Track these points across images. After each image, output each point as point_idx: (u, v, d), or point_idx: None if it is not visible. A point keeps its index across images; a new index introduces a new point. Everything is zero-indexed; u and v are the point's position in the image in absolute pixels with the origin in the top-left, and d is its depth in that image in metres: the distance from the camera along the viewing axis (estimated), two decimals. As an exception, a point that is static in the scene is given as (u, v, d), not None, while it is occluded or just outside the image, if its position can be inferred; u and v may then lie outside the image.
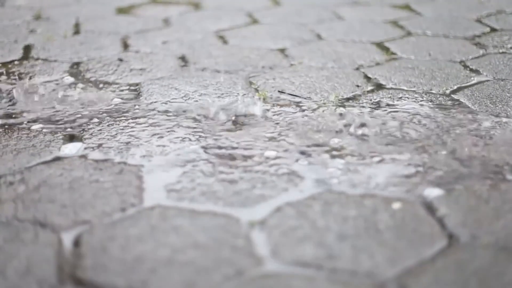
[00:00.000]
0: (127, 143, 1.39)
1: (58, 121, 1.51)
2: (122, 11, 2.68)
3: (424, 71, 1.86)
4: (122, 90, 1.72)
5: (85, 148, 1.36)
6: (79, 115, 1.54)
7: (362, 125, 1.47)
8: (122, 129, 1.46)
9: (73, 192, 1.18)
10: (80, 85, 1.77)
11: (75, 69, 1.91)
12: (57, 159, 1.32)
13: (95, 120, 1.51)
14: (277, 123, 1.49)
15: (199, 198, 1.16)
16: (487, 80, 1.78)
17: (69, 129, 1.46)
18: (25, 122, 1.51)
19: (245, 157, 1.32)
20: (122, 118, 1.53)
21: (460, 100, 1.63)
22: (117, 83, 1.78)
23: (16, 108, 1.60)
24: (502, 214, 1.10)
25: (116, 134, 1.43)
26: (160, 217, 1.09)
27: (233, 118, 1.52)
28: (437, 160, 1.30)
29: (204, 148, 1.36)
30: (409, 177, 1.23)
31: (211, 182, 1.21)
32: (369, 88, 1.73)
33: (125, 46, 2.15)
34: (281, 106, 1.60)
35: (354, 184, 1.21)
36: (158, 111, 1.56)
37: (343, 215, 1.10)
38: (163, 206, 1.13)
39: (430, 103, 1.61)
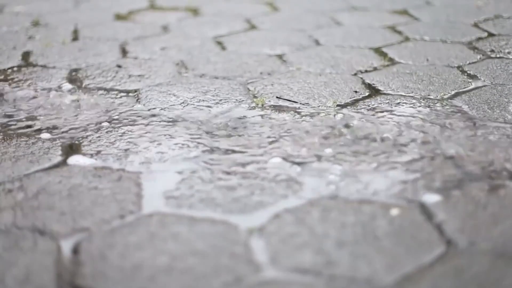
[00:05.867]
0: (126, 150, 1.39)
1: (56, 127, 1.51)
2: (120, 17, 2.69)
3: (422, 76, 1.87)
4: (120, 97, 1.72)
5: (84, 155, 1.36)
6: (78, 122, 1.55)
7: (360, 131, 1.47)
8: (121, 136, 1.46)
9: (72, 199, 1.18)
10: (79, 91, 1.77)
11: (74, 75, 1.91)
12: (56, 166, 1.32)
13: (94, 126, 1.52)
14: (275, 129, 1.49)
15: (198, 205, 1.16)
16: (485, 85, 1.78)
17: (67, 136, 1.46)
18: (24, 129, 1.51)
19: (243, 164, 1.32)
20: (121, 124, 1.53)
21: (458, 105, 1.63)
22: (115, 90, 1.78)
23: (14, 114, 1.60)
24: (500, 220, 1.10)
25: (114, 140, 1.44)
26: (159, 224, 1.10)
27: (231, 124, 1.52)
28: (434, 165, 1.30)
29: (203, 154, 1.36)
30: (407, 183, 1.24)
31: (209, 189, 1.21)
32: (367, 93, 1.73)
33: (124, 52, 2.15)
34: (279, 112, 1.60)
35: (352, 190, 1.21)
36: (157, 118, 1.57)
37: (341, 221, 1.10)
38: (162, 213, 1.13)
39: (428, 109, 1.61)
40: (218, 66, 1.98)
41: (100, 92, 1.77)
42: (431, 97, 1.70)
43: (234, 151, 1.38)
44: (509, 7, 2.79)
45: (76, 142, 1.43)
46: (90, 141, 1.44)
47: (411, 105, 1.64)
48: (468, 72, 1.91)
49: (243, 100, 1.68)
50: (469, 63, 1.99)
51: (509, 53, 2.10)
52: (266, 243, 1.04)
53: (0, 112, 1.62)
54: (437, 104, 1.64)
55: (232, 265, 0.98)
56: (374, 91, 1.75)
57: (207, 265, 0.98)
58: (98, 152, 1.38)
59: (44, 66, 2.00)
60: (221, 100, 1.69)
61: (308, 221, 1.10)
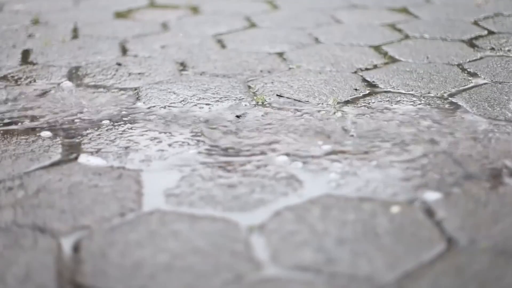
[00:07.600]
0: (126, 147, 1.39)
1: (56, 126, 1.51)
2: (120, 15, 2.68)
3: (422, 74, 1.87)
4: (121, 95, 1.72)
5: (83, 153, 1.36)
6: (78, 120, 1.55)
7: (360, 128, 1.47)
8: (121, 134, 1.46)
9: (72, 197, 1.18)
10: (79, 89, 1.77)
11: (74, 73, 1.91)
12: (56, 164, 1.32)
13: (94, 124, 1.52)
14: (275, 127, 1.49)
15: (198, 203, 1.16)
16: (485, 83, 1.78)
17: (67, 134, 1.46)
18: (24, 127, 1.51)
19: (244, 161, 1.32)
20: (121, 122, 1.53)
21: (458, 103, 1.63)
22: (115, 88, 1.78)
23: (14, 113, 1.60)
24: (500, 218, 1.10)
25: (115, 138, 1.43)
26: (159, 222, 1.09)
27: (232, 122, 1.52)
28: (435, 163, 1.30)
29: (203, 152, 1.36)
30: (407, 180, 1.24)
31: (210, 187, 1.21)
32: (367, 91, 1.73)
33: (124, 50, 2.15)
34: (280, 109, 1.60)
35: (352, 188, 1.21)
36: (157, 116, 1.57)
37: (342, 219, 1.10)
38: (162, 211, 1.13)
39: (428, 107, 1.61)
40: (218, 64, 1.98)
41: (100, 90, 1.76)
42: (431, 94, 1.70)
43: (234, 149, 1.38)
44: (509, 5, 2.79)
45: (77, 140, 1.43)
46: (90, 139, 1.43)
47: (411, 103, 1.63)
48: (468, 70, 1.91)
49: (243, 98, 1.68)
50: (469, 61, 1.99)
51: (509, 51, 2.10)
52: (266, 240, 1.04)
53: (0, 111, 1.62)
54: (437, 102, 1.64)
55: (233, 263, 0.98)
56: (374, 89, 1.75)
57: (208, 263, 0.98)
58: (99, 150, 1.38)
59: (44, 64, 2.00)
60: (221, 98, 1.69)
61: (308, 218, 1.10)
